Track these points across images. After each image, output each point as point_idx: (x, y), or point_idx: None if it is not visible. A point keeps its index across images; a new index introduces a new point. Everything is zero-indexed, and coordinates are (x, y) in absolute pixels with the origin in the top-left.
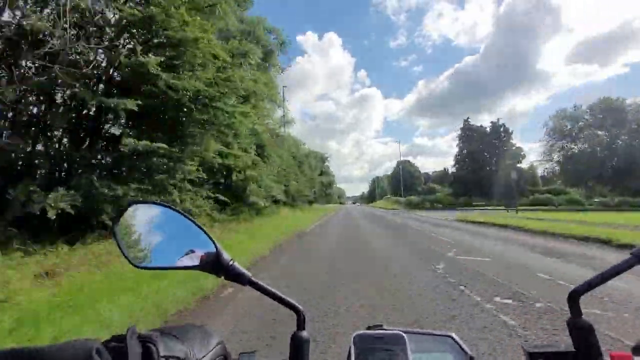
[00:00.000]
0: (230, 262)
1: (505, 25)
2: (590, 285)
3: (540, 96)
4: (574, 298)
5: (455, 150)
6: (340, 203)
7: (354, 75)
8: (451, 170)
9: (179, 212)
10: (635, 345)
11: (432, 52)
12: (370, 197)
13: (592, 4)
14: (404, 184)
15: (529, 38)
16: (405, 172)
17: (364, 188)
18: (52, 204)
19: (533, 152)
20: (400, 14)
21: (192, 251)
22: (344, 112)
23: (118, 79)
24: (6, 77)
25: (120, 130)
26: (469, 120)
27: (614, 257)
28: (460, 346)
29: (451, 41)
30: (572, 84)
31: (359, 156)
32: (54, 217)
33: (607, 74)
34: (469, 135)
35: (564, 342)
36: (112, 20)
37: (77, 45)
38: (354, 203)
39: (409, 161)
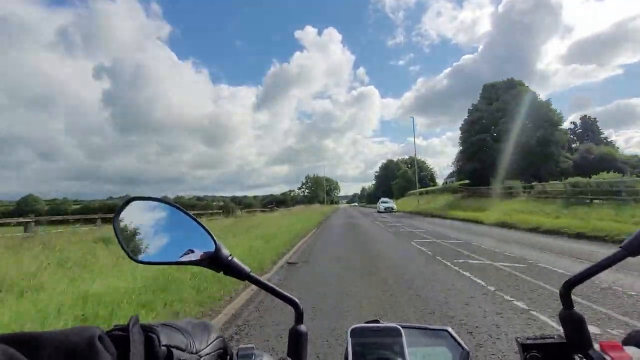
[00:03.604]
0: (229, 258)
1: (504, 24)
2: (581, 278)
3: (540, 95)
4: (566, 290)
5: (453, 150)
6: (332, 202)
7: (353, 73)
8: None
9: (179, 209)
10: (627, 336)
11: (430, 50)
12: (375, 196)
13: (592, 2)
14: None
15: (527, 37)
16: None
17: (359, 188)
18: None
19: None
20: (398, 11)
21: (192, 248)
22: (341, 110)
23: None
24: None
25: None
26: None
27: None
28: (457, 340)
29: (450, 40)
30: (571, 84)
31: (355, 155)
32: None
33: (604, 74)
34: None
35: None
36: None
37: None
38: (350, 203)
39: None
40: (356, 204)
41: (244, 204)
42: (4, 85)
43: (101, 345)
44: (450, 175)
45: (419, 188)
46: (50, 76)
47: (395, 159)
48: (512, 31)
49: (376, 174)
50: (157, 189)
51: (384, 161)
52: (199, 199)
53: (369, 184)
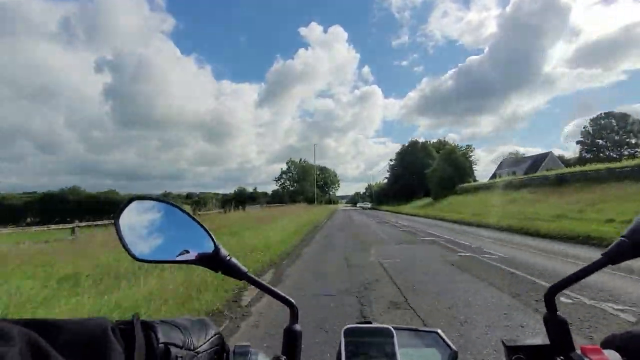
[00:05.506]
0: (228, 258)
1: (510, 25)
2: (565, 284)
3: (544, 98)
4: (550, 295)
5: None
6: (330, 202)
7: (357, 72)
8: None
9: (180, 209)
10: (605, 340)
11: (435, 51)
12: (382, 195)
13: (601, 6)
14: None
15: (534, 39)
16: None
17: (358, 188)
18: None
19: None
20: (404, 11)
21: (191, 247)
22: (344, 110)
23: None
24: None
25: None
26: None
27: None
28: (445, 341)
29: (455, 41)
30: (576, 88)
31: (356, 155)
32: None
33: (609, 79)
34: None
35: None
36: None
37: None
38: (353, 204)
39: None
40: (368, 205)
41: (198, 199)
42: (3, 77)
43: (113, 337)
44: (501, 167)
45: (473, 182)
46: (51, 68)
47: (421, 140)
48: (519, 33)
49: (391, 162)
50: (157, 185)
51: (405, 143)
52: (188, 196)
53: (373, 182)
